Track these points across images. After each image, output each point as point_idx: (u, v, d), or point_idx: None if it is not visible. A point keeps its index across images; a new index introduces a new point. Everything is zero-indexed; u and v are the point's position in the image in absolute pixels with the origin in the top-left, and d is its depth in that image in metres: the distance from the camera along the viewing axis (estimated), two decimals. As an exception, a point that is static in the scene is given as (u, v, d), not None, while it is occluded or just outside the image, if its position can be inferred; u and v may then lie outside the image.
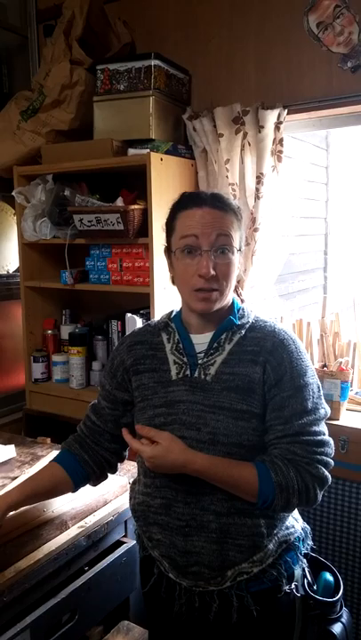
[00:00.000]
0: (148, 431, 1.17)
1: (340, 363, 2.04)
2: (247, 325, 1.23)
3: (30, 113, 2.24)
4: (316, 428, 1.16)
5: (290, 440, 1.14)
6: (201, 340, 1.25)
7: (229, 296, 1.23)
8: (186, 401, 1.19)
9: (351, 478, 1.94)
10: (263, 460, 1.14)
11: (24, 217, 2.23)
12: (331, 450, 1.17)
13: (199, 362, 1.22)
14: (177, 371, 1.23)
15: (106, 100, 2.11)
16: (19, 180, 2.26)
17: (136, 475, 1.33)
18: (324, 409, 1.20)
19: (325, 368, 2.04)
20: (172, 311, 1.33)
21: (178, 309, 1.32)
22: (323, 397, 1.21)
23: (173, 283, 1.30)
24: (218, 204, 1.19)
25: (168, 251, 1.26)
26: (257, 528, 1.16)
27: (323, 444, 1.16)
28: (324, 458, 1.16)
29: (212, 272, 1.15)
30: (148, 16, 2.26)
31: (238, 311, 1.26)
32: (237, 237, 1.21)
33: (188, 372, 1.22)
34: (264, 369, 1.17)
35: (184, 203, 1.22)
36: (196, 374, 1.21)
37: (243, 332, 1.22)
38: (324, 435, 1.18)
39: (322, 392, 1.22)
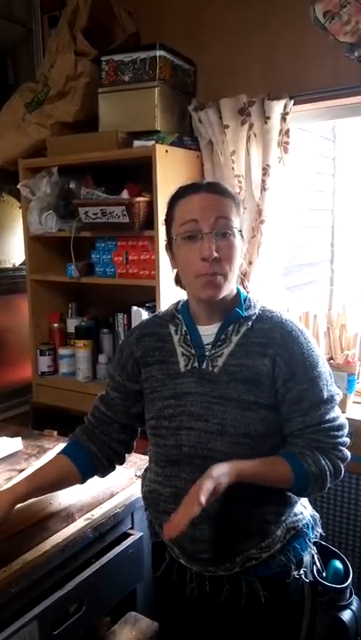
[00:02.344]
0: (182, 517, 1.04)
1: (347, 355, 2.03)
2: (254, 317, 1.22)
3: (35, 105, 2.23)
4: (333, 414, 1.19)
5: (312, 430, 1.17)
6: (208, 332, 1.24)
7: (234, 283, 1.23)
8: (194, 393, 1.20)
9: (358, 471, 1.94)
10: (293, 454, 1.16)
11: (29, 210, 2.23)
12: (347, 429, 1.21)
13: (207, 354, 1.22)
14: (185, 362, 1.24)
15: (111, 91, 2.10)
16: (24, 172, 2.25)
17: (146, 464, 1.34)
18: (338, 393, 1.22)
19: (332, 361, 2.03)
20: (179, 301, 1.33)
21: (185, 300, 1.31)
22: (334, 381, 1.23)
23: (177, 283, 1.30)
24: (214, 188, 1.20)
25: (169, 245, 1.25)
26: (265, 515, 1.19)
27: (342, 427, 1.20)
28: (345, 439, 1.20)
29: (215, 254, 1.14)
30: (152, 7, 2.25)
31: (245, 301, 1.25)
32: (237, 221, 1.20)
33: (196, 364, 1.22)
34: (274, 362, 1.17)
35: (181, 192, 1.22)
36: (204, 366, 1.21)
37: (250, 323, 1.22)
38: (340, 418, 1.21)
39: (332, 376, 1.23)
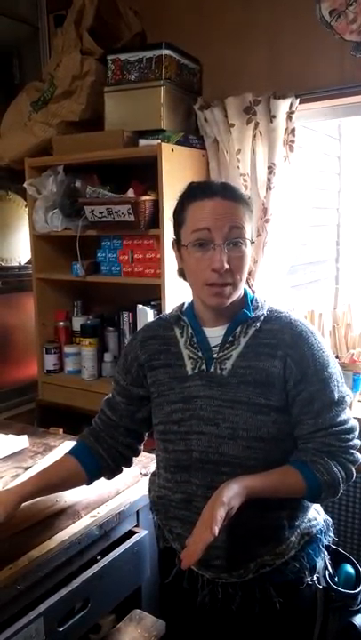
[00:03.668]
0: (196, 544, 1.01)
1: (353, 354, 2.03)
2: (262, 318, 1.20)
3: (41, 104, 2.23)
4: (344, 417, 1.17)
5: (323, 433, 1.14)
6: (215, 334, 1.22)
7: (242, 288, 1.20)
8: (203, 396, 1.18)
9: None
10: (304, 462, 1.13)
11: (35, 209, 2.23)
12: (358, 432, 1.19)
13: (214, 356, 1.20)
14: (192, 366, 1.21)
15: (117, 90, 2.10)
16: (30, 171, 2.26)
17: (149, 465, 1.34)
18: (349, 395, 1.20)
19: (337, 359, 2.03)
20: (183, 304, 1.31)
21: (189, 302, 1.29)
22: (344, 382, 1.21)
23: (181, 275, 1.27)
24: (229, 194, 1.15)
25: (177, 243, 1.22)
26: (278, 520, 1.17)
27: (353, 430, 1.17)
28: (356, 442, 1.18)
29: (227, 266, 1.11)
30: (158, 6, 2.25)
31: (252, 302, 1.23)
32: (249, 229, 1.18)
33: (203, 367, 1.20)
34: (285, 363, 1.15)
35: (194, 193, 1.18)
36: (212, 369, 1.19)
37: (258, 324, 1.19)
38: (351, 420, 1.18)
39: (342, 377, 1.21)
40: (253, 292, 1.27)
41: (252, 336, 1.19)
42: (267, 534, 1.17)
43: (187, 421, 1.19)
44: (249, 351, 1.18)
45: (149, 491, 1.36)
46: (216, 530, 0.99)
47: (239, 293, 1.19)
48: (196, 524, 1.04)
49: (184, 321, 1.27)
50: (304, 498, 1.17)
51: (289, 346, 1.15)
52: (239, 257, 1.14)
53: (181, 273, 1.27)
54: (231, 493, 1.05)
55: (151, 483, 1.36)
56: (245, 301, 1.23)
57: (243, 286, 1.20)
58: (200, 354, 1.21)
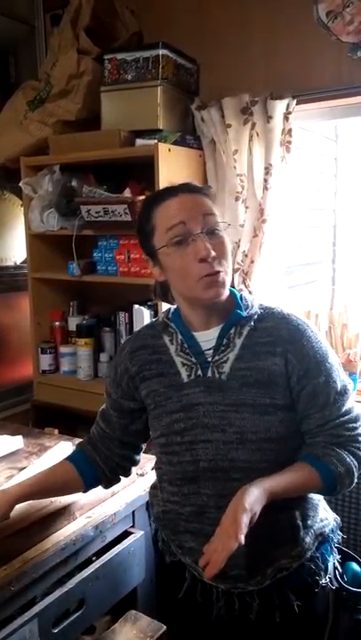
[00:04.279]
0: (215, 552, 0.98)
1: (349, 354, 2.03)
2: (255, 316, 1.18)
3: (37, 103, 2.23)
4: (349, 406, 1.16)
5: (331, 425, 1.14)
6: (206, 337, 1.19)
7: (231, 276, 1.16)
8: (204, 403, 1.15)
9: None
10: (316, 456, 1.12)
11: (31, 208, 2.23)
12: None
13: (209, 360, 1.17)
14: (187, 372, 1.18)
15: (113, 90, 2.10)
16: (26, 170, 2.25)
17: (145, 466, 1.32)
18: (350, 382, 1.19)
19: (333, 360, 2.03)
20: (168, 310, 1.27)
21: (174, 308, 1.25)
22: (343, 371, 1.20)
23: (159, 294, 1.25)
24: (191, 188, 1.16)
25: (152, 255, 1.17)
26: (292, 520, 1.16)
27: (358, 418, 1.17)
28: None
29: (213, 253, 1.08)
30: (155, 5, 2.25)
31: (242, 301, 1.20)
32: (220, 216, 1.16)
33: (199, 373, 1.17)
34: (286, 359, 1.13)
35: (155, 198, 1.16)
36: (210, 374, 1.16)
37: (252, 323, 1.17)
38: (355, 409, 1.18)
39: (341, 366, 1.20)
40: (240, 290, 1.26)
41: (248, 336, 1.16)
42: (282, 536, 1.16)
43: (190, 430, 1.16)
44: (246, 352, 1.15)
45: (152, 505, 1.34)
46: (242, 538, 0.96)
47: (230, 282, 1.16)
48: (216, 532, 1.01)
49: (172, 327, 1.23)
50: (321, 492, 1.16)
51: (288, 341, 1.14)
52: (220, 243, 1.12)
53: (161, 289, 1.24)
54: (252, 498, 1.02)
55: (153, 496, 1.33)
56: (235, 301, 1.20)
57: (231, 274, 1.16)
58: (193, 359, 1.18)
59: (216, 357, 1.17)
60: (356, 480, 1.14)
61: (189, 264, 1.10)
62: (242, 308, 1.19)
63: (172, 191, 1.14)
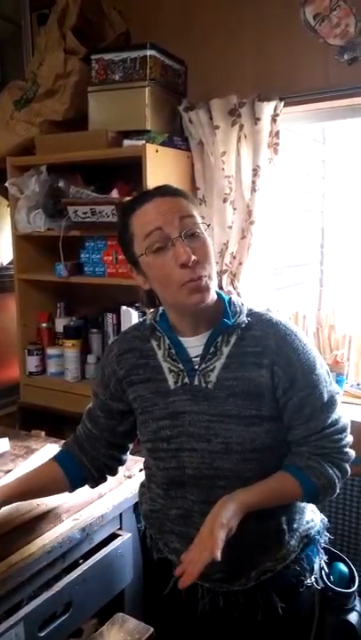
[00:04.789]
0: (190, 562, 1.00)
1: (336, 355, 2.04)
2: (243, 325, 1.15)
3: (24, 103, 2.22)
4: (335, 416, 1.15)
5: (316, 437, 1.13)
6: (194, 344, 1.16)
7: (216, 279, 1.14)
8: (190, 411, 1.14)
9: (353, 472, 1.94)
10: (299, 467, 1.12)
11: (18, 208, 2.21)
12: (349, 428, 1.17)
13: (196, 367, 1.15)
14: (174, 379, 1.17)
15: (101, 90, 2.09)
16: (12, 170, 2.24)
17: (133, 468, 1.32)
18: (338, 392, 1.18)
19: (321, 361, 2.04)
20: (156, 311, 1.24)
21: (162, 309, 1.22)
22: (332, 380, 1.18)
23: (146, 301, 1.22)
24: (166, 191, 1.12)
25: (134, 263, 1.15)
26: (279, 526, 1.16)
27: (344, 429, 1.16)
28: (349, 439, 1.17)
29: (194, 257, 1.05)
30: (143, 6, 2.24)
31: (230, 306, 1.17)
32: (199, 217, 1.12)
33: (186, 380, 1.15)
34: (272, 372, 1.11)
35: (131, 206, 1.13)
36: (196, 382, 1.15)
37: (239, 331, 1.14)
38: (342, 418, 1.17)
39: (330, 375, 1.19)
40: (228, 293, 1.25)
41: (235, 345, 1.14)
42: (268, 542, 1.16)
43: (176, 438, 1.15)
44: (233, 361, 1.13)
45: (140, 502, 1.33)
46: (218, 554, 0.97)
47: (216, 287, 1.13)
48: (194, 542, 1.02)
49: (159, 331, 1.20)
50: (302, 501, 1.17)
51: (275, 353, 1.11)
52: (201, 245, 1.08)
53: (148, 298, 1.22)
54: (229, 514, 1.03)
55: (142, 494, 1.33)
56: (223, 306, 1.17)
57: (216, 277, 1.13)
58: (180, 366, 1.16)
59: (203, 365, 1.15)
60: (338, 491, 1.15)
61: (171, 270, 1.07)
62: (230, 315, 1.15)
63: (147, 196, 1.11)
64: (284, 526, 1.17)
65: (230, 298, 1.20)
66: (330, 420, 1.13)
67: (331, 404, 1.14)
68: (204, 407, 1.13)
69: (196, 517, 1.14)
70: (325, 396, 1.14)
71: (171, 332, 1.19)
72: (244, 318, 1.15)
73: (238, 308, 1.17)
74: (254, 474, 1.12)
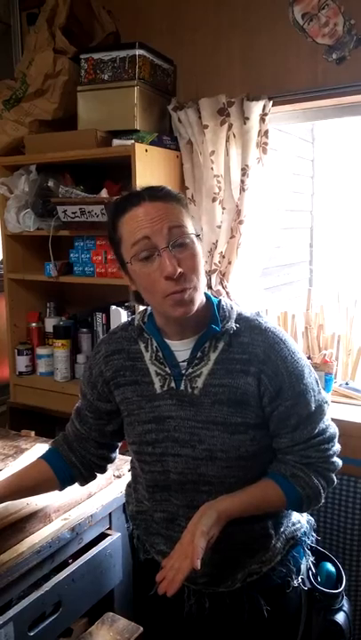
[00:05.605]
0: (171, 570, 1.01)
1: (325, 355, 2.05)
2: (231, 331, 1.12)
3: (13, 102, 2.21)
4: (323, 425, 1.14)
5: (302, 447, 1.12)
6: (181, 348, 1.15)
7: (203, 290, 1.12)
8: (176, 417, 1.14)
9: (342, 471, 1.94)
10: (285, 476, 1.12)
11: (7, 208, 2.20)
12: (336, 437, 1.17)
13: (183, 372, 1.14)
14: (161, 383, 1.15)
15: (90, 89, 2.09)
16: (1, 170, 2.23)
17: (122, 467, 1.32)
18: (326, 402, 1.16)
19: (310, 360, 2.05)
20: (144, 312, 1.22)
21: (150, 310, 1.20)
22: (321, 388, 1.17)
23: (135, 299, 1.19)
24: (156, 195, 1.08)
25: (122, 264, 1.13)
26: (264, 530, 1.16)
27: (332, 438, 1.15)
28: (336, 448, 1.16)
29: (179, 269, 1.03)
30: (132, 6, 2.24)
31: (219, 311, 1.15)
32: (190, 225, 1.09)
33: (173, 385, 1.14)
34: (259, 380, 1.10)
35: (121, 207, 1.10)
36: (182, 387, 1.13)
37: (228, 337, 1.12)
38: (330, 427, 1.16)
39: (319, 382, 1.17)
40: (217, 293, 1.24)
41: (222, 350, 1.12)
42: (254, 545, 1.16)
43: (161, 443, 1.15)
44: (220, 368, 1.12)
45: (127, 503, 1.34)
46: (198, 563, 0.97)
47: (202, 297, 1.11)
48: (175, 548, 1.02)
49: (147, 333, 1.19)
50: (286, 510, 1.17)
51: (262, 361, 1.10)
52: (189, 256, 1.06)
53: (136, 297, 1.19)
54: (210, 522, 1.02)
55: (128, 495, 1.33)
56: (211, 310, 1.15)
57: (203, 287, 1.11)
58: (167, 370, 1.15)
59: (190, 370, 1.13)
60: (323, 501, 1.14)
61: (156, 281, 1.05)
62: (218, 320, 1.13)
63: (137, 199, 1.08)
64: (271, 530, 1.17)
65: (220, 301, 1.18)
66: (317, 430, 1.12)
67: (318, 413, 1.13)
68: (190, 413, 1.13)
69: (182, 521, 1.15)
70: (313, 406, 1.12)
71: (158, 334, 1.17)
72: (232, 324, 1.13)
73: (227, 313, 1.15)
74: (239, 480, 1.12)
